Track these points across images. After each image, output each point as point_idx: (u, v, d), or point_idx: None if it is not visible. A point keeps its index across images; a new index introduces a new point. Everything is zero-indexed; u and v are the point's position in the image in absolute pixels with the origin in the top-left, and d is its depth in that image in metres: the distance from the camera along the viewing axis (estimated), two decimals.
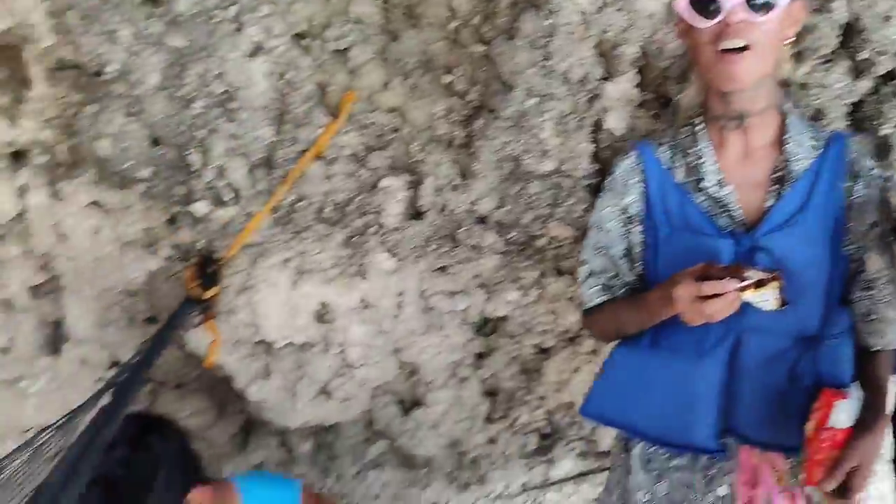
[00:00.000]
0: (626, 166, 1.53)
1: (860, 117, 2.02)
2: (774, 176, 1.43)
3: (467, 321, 2.13)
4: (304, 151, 1.94)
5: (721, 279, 1.25)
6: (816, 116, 1.96)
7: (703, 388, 1.41)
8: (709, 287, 1.24)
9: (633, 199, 1.50)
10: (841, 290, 1.43)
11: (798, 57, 1.85)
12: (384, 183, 1.91)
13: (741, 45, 1.30)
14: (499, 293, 2.06)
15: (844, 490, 1.23)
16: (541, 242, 1.99)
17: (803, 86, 1.92)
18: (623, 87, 1.88)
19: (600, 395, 1.52)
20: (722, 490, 1.44)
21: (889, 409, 1.35)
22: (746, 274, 1.26)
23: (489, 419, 2.35)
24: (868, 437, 1.25)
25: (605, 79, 1.87)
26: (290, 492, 1.61)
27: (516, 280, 2.05)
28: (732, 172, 1.45)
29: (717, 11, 1.30)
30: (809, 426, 1.29)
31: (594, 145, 1.91)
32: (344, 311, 1.98)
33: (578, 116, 1.86)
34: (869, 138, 1.90)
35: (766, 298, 1.26)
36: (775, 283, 1.26)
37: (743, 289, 1.25)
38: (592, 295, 1.53)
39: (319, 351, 2.05)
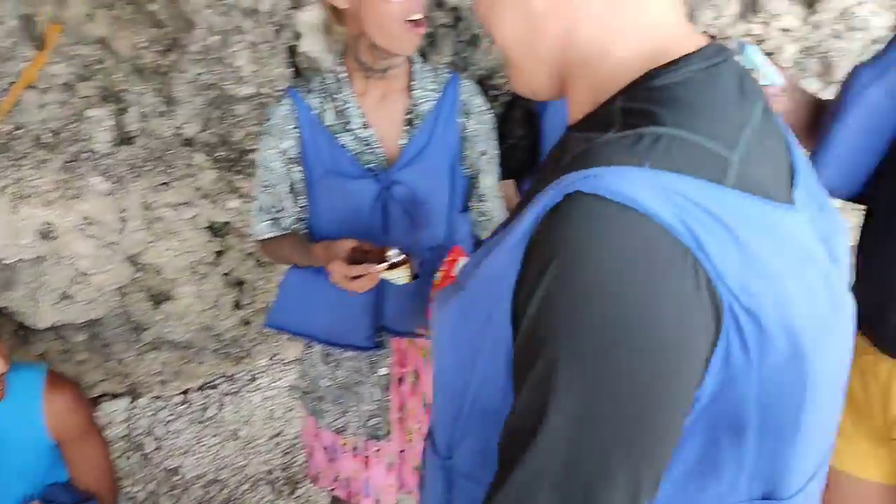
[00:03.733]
0: (281, 113, 1.68)
1: None
2: (406, 117, 1.68)
3: (198, 227, 2.34)
4: (14, 83, 1.99)
5: (367, 259, 1.52)
6: (473, 41, 2.20)
7: (359, 299, 1.70)
8: (356, 270, 1.51)
9: (290, 144, 1.67)
10: (462, 204, 1.76)
11: None
12: (90, 112, 2.01)
13: (422, 16, 1.52)
14: (221, 202, 2.27)
15: None
16: (252, 156, 2.20)
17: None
18: (312, 14, 2.04)
19: (280, 310, 1.80)
20: (382, 371, 1.79)
21: None
22: (388, 254, 1.53)
23: (238, 306, 2.62)
24: None
25: (295, 8, 2.02)
26: (34, 372, 1.73)
27: (235, 190, 2.26)
28: (373, 115, 1.67)
29: None
30: (438, 275, 1.58)
31: (293, 69, 2.09)
32: (68, 229, 2.13)
33: (270, 45, 2.02)
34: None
35: (400, 276, 1.54)
36: (406, 265, 1.53)
37: (381, 270, 1.52)
38: (263, 229, 1.74)
39: (52, 263, 2.21)
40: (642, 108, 0.65)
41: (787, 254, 0.63)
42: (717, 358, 0.59)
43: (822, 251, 0.69)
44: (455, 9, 2.17)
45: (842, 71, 2.32)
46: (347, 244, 1.54)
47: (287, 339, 2.81)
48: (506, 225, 0.72)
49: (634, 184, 0.57)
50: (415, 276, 1.54)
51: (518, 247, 0.62)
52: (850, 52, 2.40)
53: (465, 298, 0.70)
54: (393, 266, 1.50)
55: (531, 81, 0.78)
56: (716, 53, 0.69)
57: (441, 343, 0.76)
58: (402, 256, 1.51)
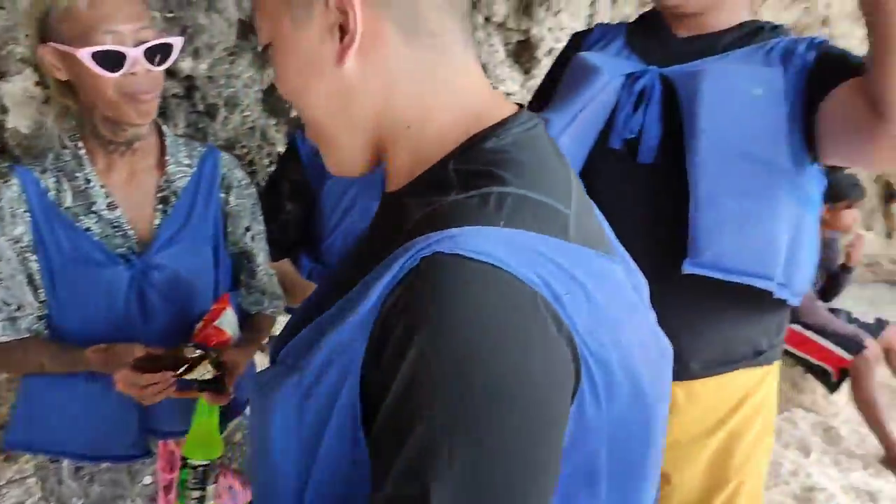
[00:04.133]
0: (8, 195, 1.45)
1: (273, 102, 2.24)
2: (160, 195, 1.52)
3: None
4: None
5: (160, 363, 1.34)
6: (210, 111, 2.11)
7: (119, 401, 1.48)
8: (148, 378, 1.32)
9: (22, 230, 1.44)
10: (229, 285, 1.63)
11: (195, 54, 1.96)
12: None
13: (149, 92, 1.37)
14: None
15: (220, 385, 1.45)
16: None
17: (210, 78, 2.06)
18: (20, 85, 1.79)
19: (22, 426, 1.50)
20: (147, 480, 1.56)
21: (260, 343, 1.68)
22: (184, 353, 1.36)
23: None
24: (239, 349, 1.51)
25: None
26: None
27: None
28: (122, 195, 1.49)
29: (121, 65, 1.34)
30: (197, 326, 1.46)
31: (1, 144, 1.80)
32: None
33: None
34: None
35: (203, 373, 1.38)
36: (206, 359, 1.37)
37: (180, 374, 1.34)
38: None
39: None
40: (481, 170, 0.66)
41: (620, 302, 0.67)
42: (574, 412, 0.60)
43: (641, 302, 0.75)
44: (189, 77, 2.03)
45: None
46: (134, 351, 1.36)
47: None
48: (332, 299, 0.67)
49: (492, 242, 0.58)
50: (218, 366, 1.39)
51: (367, 319, 0.59)
52: None
53: (303, 379, 0.64)
54: (192, 366, 1.34)
55: (347, 156, 0.76)
56: (529, 118, 0.72)
57: (272, 430, 0.68)
58: (200, 352, 1.35)
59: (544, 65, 2.66)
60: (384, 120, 0.72)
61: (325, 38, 0.70)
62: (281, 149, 2.22)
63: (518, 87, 2.63)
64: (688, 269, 1.25)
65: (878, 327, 3.73)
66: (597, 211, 0.79)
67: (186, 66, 1.97)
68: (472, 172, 0.66)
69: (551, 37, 2.64)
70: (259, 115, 2.19)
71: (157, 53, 1.37)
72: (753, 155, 1.25)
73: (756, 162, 1.25)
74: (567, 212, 0.66)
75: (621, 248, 0.81)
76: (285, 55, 0.73)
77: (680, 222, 1.28)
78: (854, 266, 3.72)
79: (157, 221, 1.51)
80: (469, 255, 0.57)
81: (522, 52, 2.70)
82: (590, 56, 1.42)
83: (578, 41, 1.58)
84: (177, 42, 1.40)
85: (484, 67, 2.46)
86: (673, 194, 1.29)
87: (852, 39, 3.66)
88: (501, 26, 2.64)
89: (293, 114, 2.25)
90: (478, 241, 0.57)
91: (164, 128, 1.56)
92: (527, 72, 2.67)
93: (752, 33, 1.39)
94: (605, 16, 2.83)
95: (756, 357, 1.39)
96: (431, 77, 0.71)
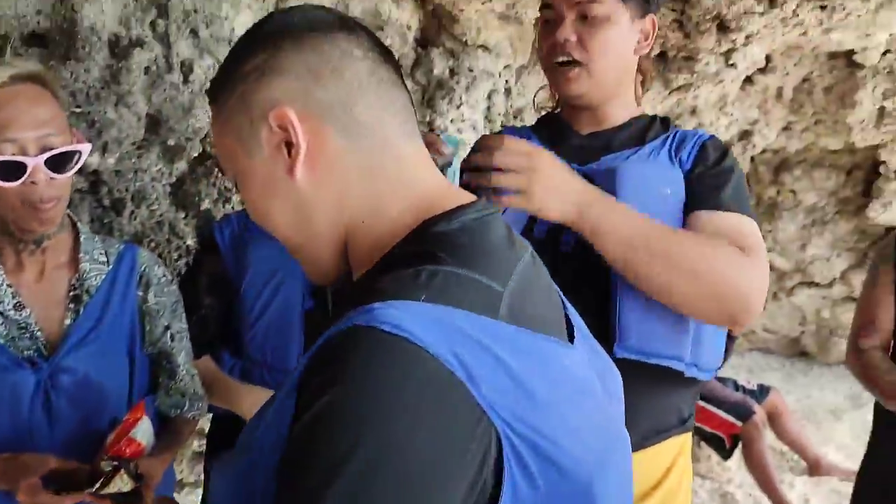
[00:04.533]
0: None
1: (182, 196, 2.20)
2: (72, 294, 1.45)
3: None
4: None
5: (72, 479, 1.26)
6: (116, 206, 2.05)
7: None
8: (67, 500, 1.25)
9: None
10: (147, 388, 1.56)
11: (104, 148, 1.92)
12: None
13: (51, 200, 1.32)
14: None
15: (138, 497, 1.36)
16: None
17: (117, 172, 2.00)
18: None
19: None
20: None
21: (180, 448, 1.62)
22: (101, 466, 1.29)
23: None
24: (157, 458, 1.44)
25: None
26: None
27: None
28: (30, 294, 1.42)
29: (21, 174, 1.29)
30: (110, 437, 1.38)
31: None
32: None
33: None
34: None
35: (121, 486, 1.29)
36: (121, 472, 1.30)
37: (97, 490, 1.26)
38: None
39: None
40: (422, 251, 0.69)
41: (562, 386, 0.67)
42: (506, 495, 0.60)
43: (600, 387, 0.76)
44: (95, 172, 1.97)
45: None
46: (46, 463, 1.27)
47: None
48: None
49: (409, 316, 0.59)
50: (137, 479, 1.31)
51: (291, 391, 0.61)
52: None
53: (252, 454, 0.65)
54: (108, 480, 1.26)
55: (318, 262, 0.80)
56: (485, 207, 0.76)
57: None
58: (115, 464, 1.27)
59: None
60: (342, 220, 0.76)
61: (275, 158, 0.74)
62: (191, 242, 2.17)
63: None
64: (618, 353, 1.31)
65: (761, 393, 3.95)
66: (558, 297, 0.81)
67: (93, 161, 1.91)
68: (414, 253, 0.68)
69: (453, 127, 2.75)
70: (168, 209, 2.13)
71: (62, 161, 1.33)
72: None
73: None
74: (501, 290, 0.67)
75: (585, 337, 0.82)
76: (248, 184, 0.78)
77: (605, 307, 1.34)
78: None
79: (67, 322, 1.44)
80: (382, 328, 0.58)
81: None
82: None
83: None
84: (84, 148, 1.37)
85: None
86: (596, 282, 1.35)
87: (719, 127, 4.01)
88: None
89: (203, 206, 2.21)
90: (395, 314, 0.59)
91: (80, 224, 1.50)
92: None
93: (646, 127, 1.49)
94: (502, 108, 2.98)
95: (682, 425, 1.47)
96: (379, 174, 0.75)
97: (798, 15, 3.04)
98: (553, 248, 1.40)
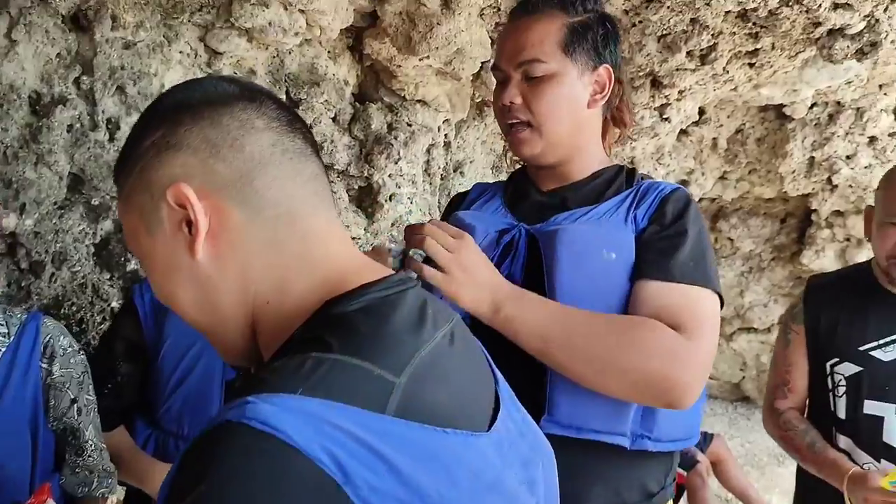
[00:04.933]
0: None
1: (107, 256, 2.12)
2: None
3: None
4: None
5: None
6: (34, 269, 1.97)
7: None
8: None
9: None
10: (52, 464, 1.48)
11: (21, 209, 1.84)
12: None
13: None
14: None
15: None
16: None
17: (37, 234, 1.92)
18: None
19: None
20: None
21: None
22: None
23: None
24: None
25: None
26: None
27: None
28: None
29: None
30: None
31: None
32: None
33: None
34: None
35: None
36: None
37: None
38: None
39: None
40: (315, 336, 0.65)
41: (461, 483, 0.62)
42: None
43: (515, 477, 0.71)
44: (13, 234, 1.88)
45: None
46: None
47: None
48: None
49: (281, 411, 0.56)
50: None
51: (164, 486, 0.58)
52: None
53: None
54: None
55: (231, 347, 0.77)
56: (398, 283, 0.73)
57: None
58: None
59: (386, 209, 2.72)
60: (247, 299, 0.73)
61: (177, 236, 0.71)
62: (116, 305, 2.08)
63: (362, 232, 2.67)
64: (544, 427, 1.22)
65: (704, 441, 3.96)
66: (484, 375, 0.77)
67: (10, 223, 1.83)
68: (307, 339, 0.66)
69: (392, 182, 2.73)
70: (91, 271, 2.05)
71: None
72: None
73: None
74: (394, 380, 0.62)
75: (524, 425, 0.78)
76: (151, 264, 0.75)
77: (540, 380, 1.27)
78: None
79: None
80: (251, 424, 0.55)
81: (364, 198, 2.76)
82: (465, 215, 1.44)
83: (458, 200, 1.59)
84: None
85: None
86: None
87: (656, 177, 4.08)
88: (343, 173, 2.69)
89: (130, 267, 2.13)
90: (267, 410, 0.56)
91: None
92: (369, 216, 2.72)
93: (609, 181, 1.42)
94: (441, 162, 2.98)
95: (648, 499, 1.37)
96: (282, 250, 0.72)
97: (728, 72, 3.12)
98: None
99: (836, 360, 1.88)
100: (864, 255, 4.26)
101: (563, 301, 1.27)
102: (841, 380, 1.87)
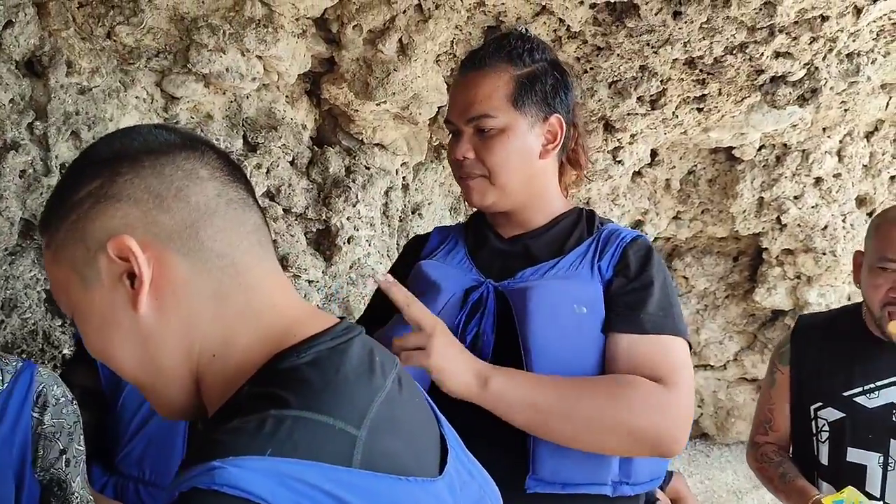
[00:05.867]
0: None
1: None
2: None
3: None
4: None
5: None
6: (9, 305, 1.94)
7: None
8: None
9: None
10: None
11: None
12: None
13: None
14: None
15: None
16: None
17: None
18: None
19: None
20: None
21: None
22: None
23: None
24: None
25: None
26: None
27: None
28: None
29: None
30: None
31: None
32: None
33: None
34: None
35: None
36: None
37: None
38: None
39: None
40: (268, 392, 0.65)
41: None
42: None
43: None
44: None
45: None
46: None
47: None
48: None
49: (252, 475, 0.56)
50: None
51: None
52: (367, 294, 2.75)
53: None
54: None
55: (172, 400, 0.75)
56: (344, 332, 0.73)
57: None
58: None
59: (344, 251, 2.73)
60: (192, 354, 0.71)
61: (116, 289, 0.69)
62: (67, 352, 2.05)
63: (321, 275, 2.67)
64: (530, 486, 1.26)
65: (664, 479, 3.98)
66: (428, 420, 0.78)
67: None
68: (259, 395, 0.65)
69: (350, 225, 2.74)
70: (42, 317, 2.02)
71: None
72: (570, 369, 1.28)
73: (573, 375, 1.28)
74: (355, 433, 0.63)
75: (472, 465, 0.80)
76: (84, 318, 0.72)
77: (521, 439, 1.27)
78: None
79: None
80: (224, 490, 0.55)
81: (323, 241, 2.77)
82: (429, 269, 1.43)
83: (418, 246, 1.58)
84: None
85: (286, 257, 2.48)
86: None
87: (612, 217, 4.16)
88: (301, 216, 2.70)
89: None
90: (237, 474, 0.56)
91: None
92: (328, 259, 2.72)
93: (569, 228, 1.44)
94: (399, 206, 3.00)
95: None
96: (227, 301, 0.71)
97: (678, 116, 3.22)
98: None
99: (820, 404, 1.85)
100: (814, 293, 4.37)
101: (538, 356, 1.28)
102: (824, 425, 1.84)
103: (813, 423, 1.87)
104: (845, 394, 1.81)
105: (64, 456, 1.47)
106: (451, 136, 1.44)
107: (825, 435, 1.84)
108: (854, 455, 1.80)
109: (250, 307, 0.71)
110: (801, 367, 1.91)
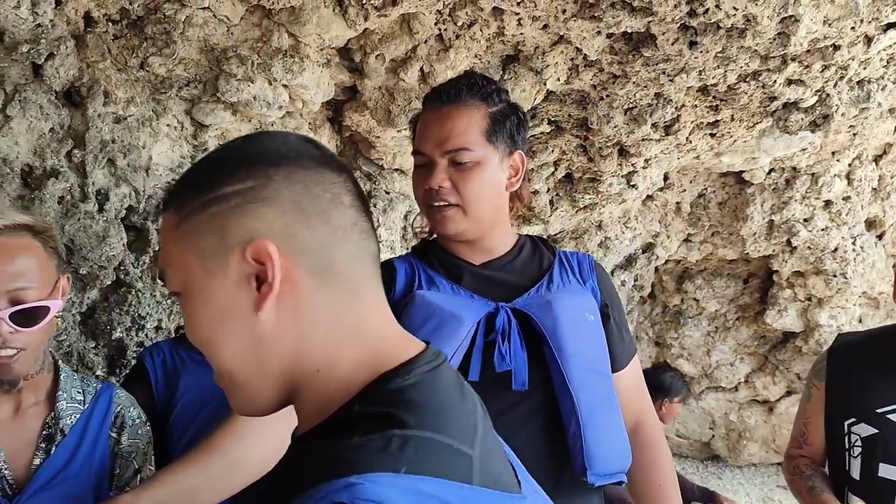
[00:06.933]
0: None
1: (93, 325, 2.14)
2: (45, 433, 1.40)
3: None
4: None
5: None
6: None
7: None
8: None
9: None
10: None
11: None
12: None
13: (15, 352, 1.30)
14: None
15: None
16: None
17: None
18: None
19: None
20: None
21: None
22: None
23: None
24: None
25: None
26: None
27: None
28: (3, 432, 1.36)
29: None
30: None
31: None
32: None
33: None
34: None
35: None
36: None
37: None
38: None
39: None
40: (383, 412, 0.67)
41: None
42: None
43: None
44: None
45: None
46: None
47: None
48: None
49: (390, 491, 0.59)
50: None
51: None
52: None
53: None
54: None
55: (256, 399, 0.76)
56: (435, 356, 0.76)
57: None
58: None
59: None
60: (296, 364, 0.73)
61: (241, 288, 0.71)
62: (101, 373, 2.09)
63: None
64: (592, 481, 1.37)
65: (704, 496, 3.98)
66: (502, 446, 0.81)
67: None
68: (374, 414, 0.67)
69: None
70: (77, 339, 2.07)
71: (32, 315, 1.31)
72: (599, 370, 1.43)
73: (601, 375, 1.44)
74: (471, 453, 0.67)
75: (527, 479, 0.82)
76: (197, 305, 0.73)
77: (556, 439, 1.39)
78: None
79: (36, 462, 1.39)
80: None
81: None
82: (441, 302, 1.46)
83: (389, 278, 1.57)
84: (54, 305, 1.35)
85: None
86: (553, 414, 1.40)
87: (623, 240, 4.21)
88: None
89: (115, 336, 2.15)
90: (378, 490, 0.58)
91: (61, 363, 1.48)
92: None
93: (532, 251, 1.57)
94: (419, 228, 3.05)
95: None
96: (342, 321, 0.73)
97: (691, 141, 3.28)
98: (497, 387, 1.40)
99: (854, 419, 1.89)
100: (825, 315, 4.40)
101: (571, 357, 1.40)
102: (857, 440, 1.88)
103: (846, 438, 1.91)
104: (879, 410, 1.85)
105: (139, 476, 1.53)
106: (417, 166, 1.50)
107: (857, 450, 1.88)
108: (885, 471, 1.83)
109: (359, 330, 0.74)
110: (836, 383, 1.95)
